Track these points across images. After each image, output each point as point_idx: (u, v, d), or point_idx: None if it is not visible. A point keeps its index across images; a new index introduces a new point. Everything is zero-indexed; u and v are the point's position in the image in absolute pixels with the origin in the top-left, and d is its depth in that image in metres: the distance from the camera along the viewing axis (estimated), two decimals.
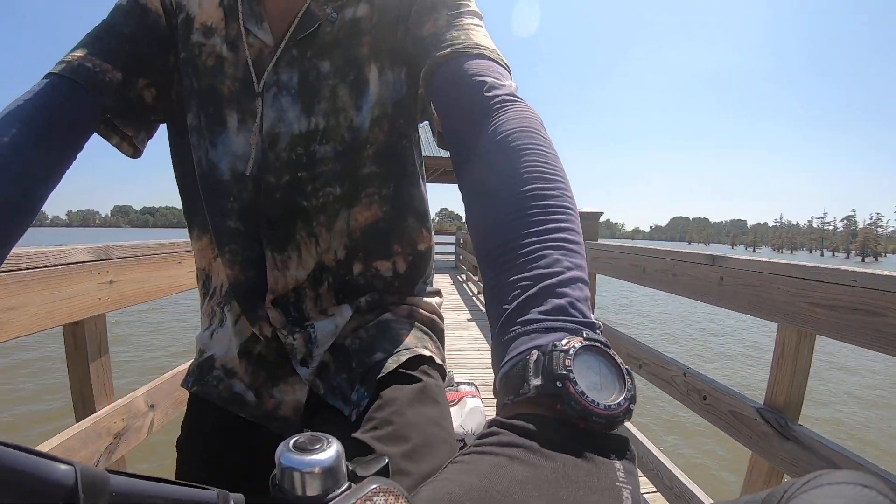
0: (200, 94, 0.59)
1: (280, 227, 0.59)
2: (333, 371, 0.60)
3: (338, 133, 0.58)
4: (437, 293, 0.72)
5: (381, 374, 0.57)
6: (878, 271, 0.93)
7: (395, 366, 0.58)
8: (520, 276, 0.33)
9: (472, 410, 1.12)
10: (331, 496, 0.24)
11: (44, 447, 0.96)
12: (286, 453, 0.25)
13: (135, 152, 0.65)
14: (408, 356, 0.59)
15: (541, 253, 0.34)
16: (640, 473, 2.11)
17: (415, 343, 0.62)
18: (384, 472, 0.26)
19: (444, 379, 0.65)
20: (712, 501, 1.50)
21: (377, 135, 0.60)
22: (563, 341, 0.28)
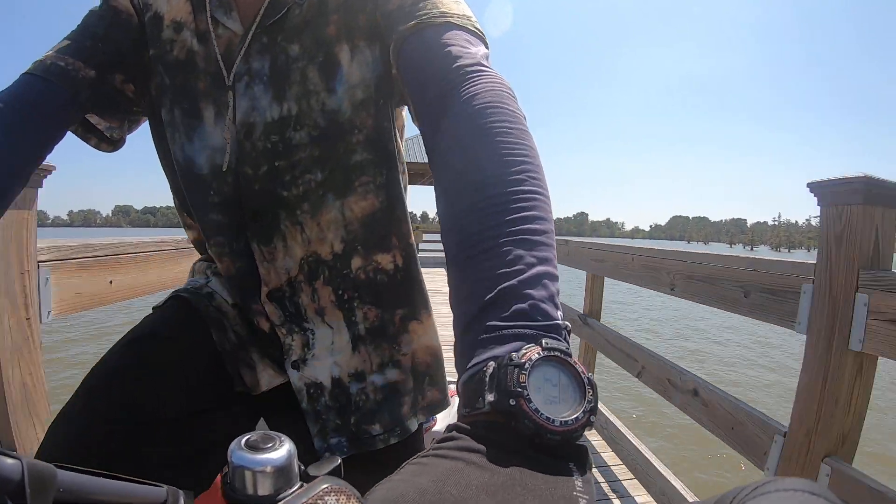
0: (174, 89, 0.59)
1: (263, 218, 0.58)
2: (326, 403, 0.60)
3: (311, 117, 0.56)
4: (430, 315, 0.68)
5: (370, 448, 0.60)
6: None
7: (382, 446, 0.60)
8: (480, 276, 0.32)
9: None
10: (282, 496, 0.23)
11: None
12: (238, 451, 0.24)
13: (114, 147, 0.65)
14: (396, 438, 0.61)
15: (503, 249, 0.32)
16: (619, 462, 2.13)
17: (410, 413, 0.63)
18: (336, 472, 0.26)
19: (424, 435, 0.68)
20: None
21: (364, 119, 0.58)
22: (521, 352, 0.27)
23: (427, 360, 0.65)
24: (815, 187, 1.10)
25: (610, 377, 5.14)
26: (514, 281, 0.31)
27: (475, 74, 0.43)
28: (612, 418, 2.33)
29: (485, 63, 0.45)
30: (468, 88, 0.42)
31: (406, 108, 0.63)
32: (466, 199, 0.36)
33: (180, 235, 1.64)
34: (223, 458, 0.25)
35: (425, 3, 0.50)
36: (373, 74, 0.57)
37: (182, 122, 0.58)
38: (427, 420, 0.67)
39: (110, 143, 0.65)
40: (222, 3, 0.57)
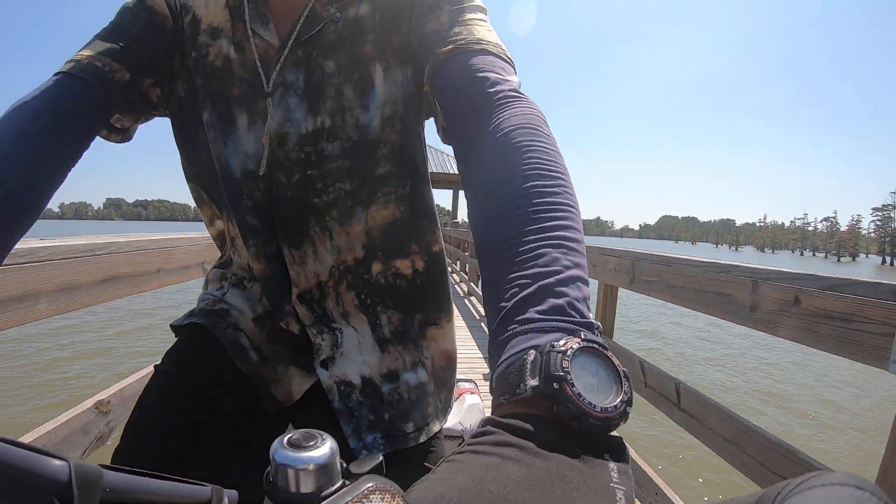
0: (210, 94, 0.60)
1: (293, 223, 0.60)
2: (358, 399, 0.61)
3: (344, 131, 0.58)
4: (450, 318, 0.70)
5: (402, 446, 0.61)
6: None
7: (414, 444, 0.62)
8: (518, 273, 0.33)
9: (470, 407, 1.11)
10: (325, 493, 0.24)
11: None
12: (280, 450, 0.25)
13: (123, 138, 0.65)
14: (425, 437, 0.63)
15: (540, 251, 0.34)
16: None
17: (433, 414, 0.65)
18: (379, 470, 0.26)
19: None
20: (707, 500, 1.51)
21: (390, 134, 0.60)
22: (561, 342, 0.27)
23: (444, 364, 0.67)
24: None
25: None
26: (551, 279, 0.32)
27: (511, 99, 0.46)
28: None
29: (520, 90, 0.48)
30: (505, 111, 0.44)
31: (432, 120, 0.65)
32: (504, 204, 0.38)
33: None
34: (265, 461, 0.25)
35: (461, 28, 0.53)
36: (402, 93, 0.60)
37: (218, 126, 0.60)
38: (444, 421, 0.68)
39: (119, 133, 0.64)
40: (259, 14, 0.58)
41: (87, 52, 0.55)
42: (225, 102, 0.59)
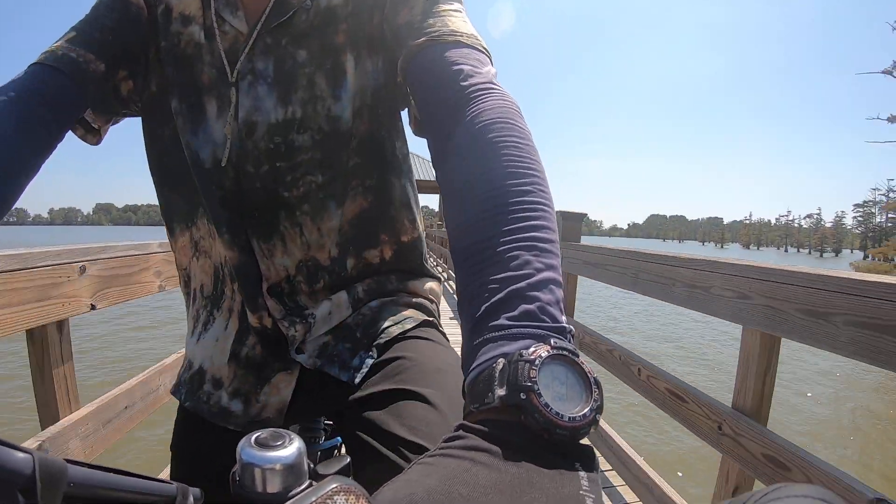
0: (181, 82, 0.59)
1: (263, 215, 0.59)
2: (333, 344, 0.61)
3: (315, 122, 0.57)
4: (434, 278, 0.71)
5: (386, 339, 0.61)
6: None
7: (399, 331, 0.62)
8: (489, 278, 0.33)
9: None
10: (291, 493, 0.24)
11: None
12: (247, 449, 0.25)
13: (97, 139, 0.64)
14: (412, 324, 0.63)
15: (511, 254, 0.33)
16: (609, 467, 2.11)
17: (416, 315, 0.65)
18: (346, 472, 0.26)
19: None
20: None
21: (359, 126, 0.60)
22: (530, 350, 0.27)
23: (421, 302, 0.68)
24: None
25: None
26: (522, 283, 0.32)
27: (485, 92, 0.45)
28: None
29: (494, 82, 0.47)
30: (479, 104, 0.43)
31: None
32: (476, 206, 0.37)
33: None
34: (232, 460, 0.25)
35: (435, 20, 0.52)
36: (373, 83, 0.59)
37: (188, 115, 0.59)
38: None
39: (94, 134, 0.63)
40: (229, 2, 0.57)
41: (61, 43, 0.54)
42: (195, 90, 0.58)
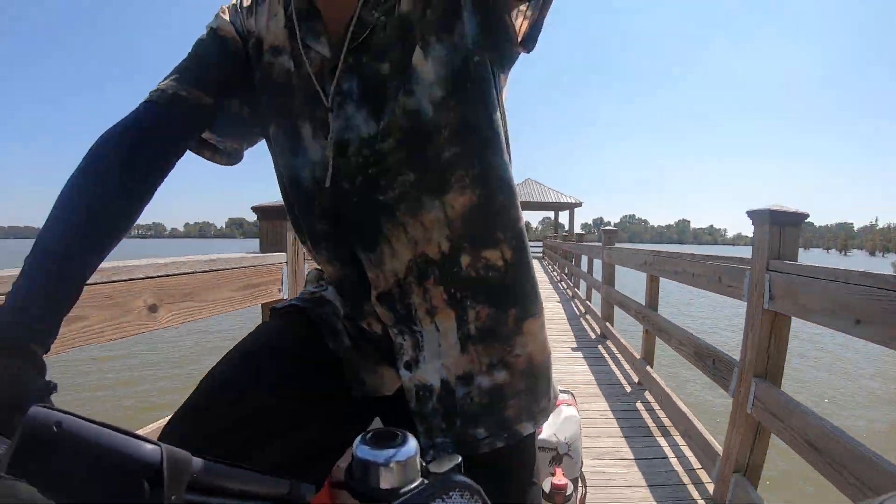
0: (276, 109, 0.64)
1: (364, 226, 0.60)
2: (433, 406, 0.61)
3: (395, 123, 0.57)
4: (541, 310, 0.66)
5: (475, 452, 0.59)
6: None
7: (488, 449, 0.60)
8: None
9: (566, 419, 1.06)
10: (404, 490, 0.23)
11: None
12: (362, 445, 0.25)
13: (230, 160, 0.73)
14: (503, 443, 0.61)
15: None
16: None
17: (517, 417, 0.62)
18: (457, 470, 0.24)
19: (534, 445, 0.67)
20: None
21: (447, 116, 0.57)
22: None
23: (540, 361, 0.64)
24: None
25: None
26: None
27: None
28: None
29: None
30: None
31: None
32: None
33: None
34: (338, 457, 0.25)
35: None
36: (450, 68, 0.57)
37: (285, 139, 0.63)
38: (539, 425, 0.65)
39: (225, 155, 0.71)
40: (312, 29, 0.61)
41: (170, 83, 0.61)
42: (290, 115, 0.62)
